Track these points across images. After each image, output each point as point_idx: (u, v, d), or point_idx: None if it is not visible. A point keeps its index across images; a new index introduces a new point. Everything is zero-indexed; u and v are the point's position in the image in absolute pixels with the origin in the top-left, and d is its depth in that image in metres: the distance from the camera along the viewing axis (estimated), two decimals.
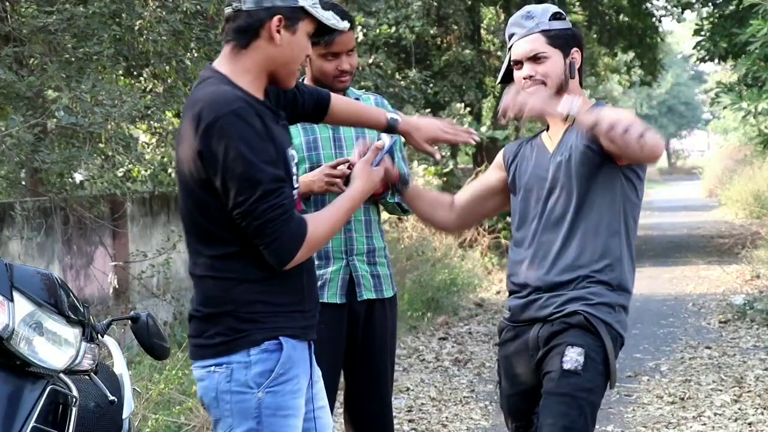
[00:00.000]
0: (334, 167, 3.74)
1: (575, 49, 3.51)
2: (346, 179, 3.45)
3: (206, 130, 2.76)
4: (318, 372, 3.05)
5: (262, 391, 2.85)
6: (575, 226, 3.43)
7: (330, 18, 2.92)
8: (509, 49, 3.54)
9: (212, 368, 2.88)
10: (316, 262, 3.67)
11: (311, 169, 3.81)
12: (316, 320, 3.02)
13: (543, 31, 3.48)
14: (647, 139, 3.21)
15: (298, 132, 3.85)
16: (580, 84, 3.56)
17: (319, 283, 3.75)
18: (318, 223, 2.90)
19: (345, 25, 3.01)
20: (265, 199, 2.76)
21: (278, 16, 2.84)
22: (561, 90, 3.47)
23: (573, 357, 3.34)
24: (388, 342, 3.98)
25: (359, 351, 3.93)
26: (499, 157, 3.74)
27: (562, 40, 3.48)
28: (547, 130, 3.61)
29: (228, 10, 2.88)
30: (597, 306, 3.39)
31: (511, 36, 3.54)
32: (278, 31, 2.85)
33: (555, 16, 3.50)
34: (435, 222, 3.77)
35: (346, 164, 3.71)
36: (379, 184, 3.16)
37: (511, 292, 3.59)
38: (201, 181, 2.82)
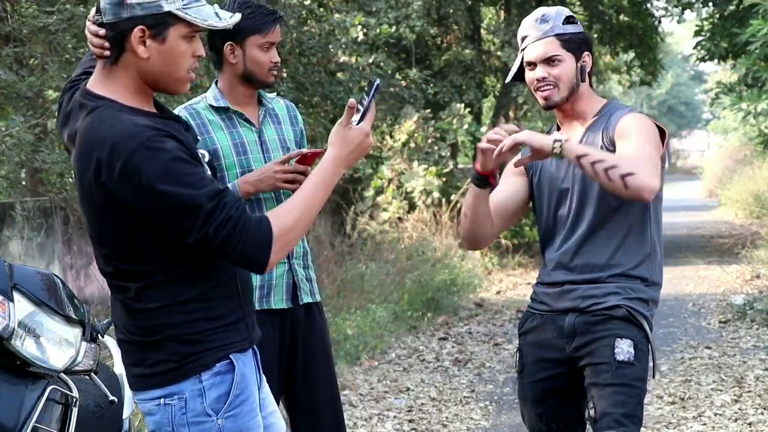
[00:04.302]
0: (284, 162, 3.71)
1: (587, 53, 3.59)
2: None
3: (122, 174, 2.51)
4: (263, 377, 2.90)
5: (221, 417, 2.68)
6: (605, 225, 3.52)
7: (207, 17, 2.62)
8: (522, 50, 3.60)
9: (162, 400, 2.68)
10: None
11: (242, 173, 3.76)
12: (254, 318, 2.84)
13: (557, 35, 3.55)
14: (634, 179, 3.27)
15: (224, 136, 3.81)
16: (590, 84, 3.64)
17: (264, 289, 3.79)
18: (282, 213, 2.66)
19: (227, 24, 2.66)
20: (210, 220, 2.54)
21: (139, 27, 2.56)
22: (572, 93, 3.55)
23: (624, 348, 3.45)
24: (329, 345, 3.98)
25: (302, 355, 3.88)
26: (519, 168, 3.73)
27: (575, 44, 3.56)
28: (558, 130, 3.67)
29: (89, 25, 2.63)
30: (634, 300, 3.50)
31: (524, 38, 3.60)
32: (143, 43, 2.58)
33: (568, 20, 3.58)
34: (481, 236, 3.69)
35: (296, 158, 3.72)
36: (367, 142, 2.76)
37: (542, 282, 3.65)
38: (125, 221, 2.58)
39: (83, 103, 2.64)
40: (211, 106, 3.86)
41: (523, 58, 3.62)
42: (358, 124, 2.74)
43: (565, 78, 3.54)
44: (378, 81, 2.79)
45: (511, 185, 3.72)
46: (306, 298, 3.89)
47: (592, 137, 3.55)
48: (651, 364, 3.53)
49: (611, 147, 3.48)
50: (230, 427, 2.70)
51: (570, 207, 3.57)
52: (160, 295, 2.65)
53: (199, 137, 3.19)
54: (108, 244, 2.66)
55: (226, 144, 3.80)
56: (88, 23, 2.70)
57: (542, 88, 3.55)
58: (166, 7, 2.57)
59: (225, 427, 2.69)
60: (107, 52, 2.62)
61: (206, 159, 2.83)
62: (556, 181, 3.61)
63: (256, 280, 3.72)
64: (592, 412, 3.50)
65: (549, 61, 3.54)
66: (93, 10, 2.69)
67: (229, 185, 3.69)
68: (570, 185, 3.58)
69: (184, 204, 2.53)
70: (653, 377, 3.61)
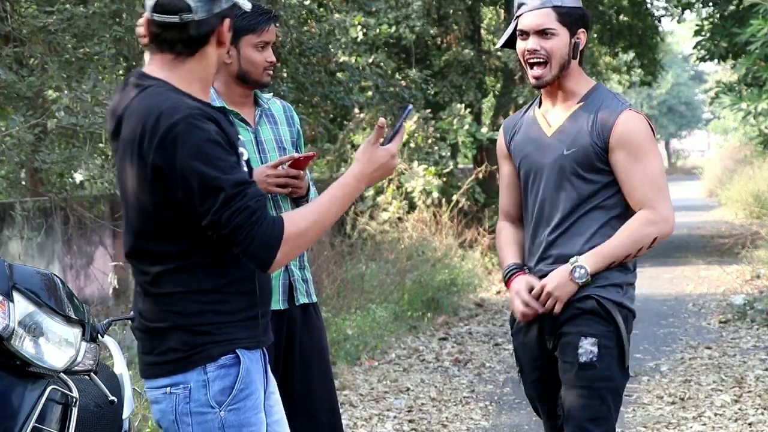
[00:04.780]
0: (275, 167, 3.70)
1: (582, 29, 3.48)
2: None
3: (161, 142, 2.62)
4: (273, 383, 2.93)
5: (224, 410, 2.72)
6: (580, 215, 3.48)
7: (244, 3, 2.82)
8: (516, 17, 3.51)
9: (168, 389, 2.74)
10: None
11: None
12: (269, 321, 2.88)
13: (555, 7, 3.44)
14: (662, 234, 3.50)
15: None
16: (580, 64, 3.54)
17: None
18: (297, 217, 2.71)
19: (248, 5, 2.86)
20: (228, 205, 2.60)
21: (228, 19, 2.76)
22: (563, 69, 3.46)
23: (587, 348, 3.42)
24: (326, 345, 3.96)
25: (299, 356, 3.85)
26: (502, 145, 3.70)
27: (571, 19, 3.45)
28: (539, 106, 3.60)
29: (167, 19, 2.70)
30: (607, 288, 3.45)
31: (520, 5, 3.49)
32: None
33: None
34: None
35: (288, 162, 3.70)
36: (392, 163, 2.81)
37: None
38: (156, 194, 2.67)
39: (137, 83, 2.74)
40: None
41: (516, 26, 3.52)
42: (386, 144, 2.80)
43: (557, 53, 3.44)
44: (411, 106, 2.89)
45: (513, 190, 3.69)
46: (302, 299, 3.87)
47: (575, 125, 3.47)
48: (626, 355, 3.47)
49: (603, 149, 3.42)
50: (232, 420, 2.73)
51: (545, 198, 3.52)
52: (176, 281, 2.72)
53: None
54: (137, 220, 2.73)
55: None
56: (143, 23, 2.78)
57: (531, 60, 3.45)
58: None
59: (227, 419, 2.73)
60: (179, 45, 2.72)
61: (244, 157, 2.84)
62: (534, 172, 3.55)
63: None
64: (560, 412, 3.53)
65: (542, 33, 3.44)
66: (149, 8, 2.73)
67: None
68: (546, 174, 3.51)
69: (208, 185, 2.60)
70: (625, 367, 3.52)
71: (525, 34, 3.47)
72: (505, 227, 3.75)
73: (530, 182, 3.56)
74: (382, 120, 2.80)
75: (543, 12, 3.43)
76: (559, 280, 3.42)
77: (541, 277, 3.52)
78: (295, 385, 3.86)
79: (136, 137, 2.66)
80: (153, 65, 2.76)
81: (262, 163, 3.79)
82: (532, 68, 3.47)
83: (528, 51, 3.45)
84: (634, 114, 3.46)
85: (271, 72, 3.82)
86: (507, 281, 3.61)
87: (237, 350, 2.74)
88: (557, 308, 3.44)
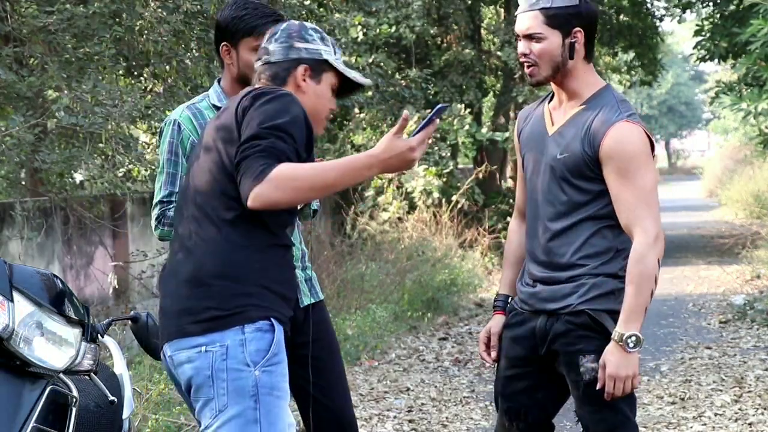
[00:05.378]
0: None
1: (578, 28, 3.37)
2: None
3: (257, 95, 2.94)
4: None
5: (259, 369, 2.85)
6: (571, 220, 3.40)
7: (356, 76, 3.17)
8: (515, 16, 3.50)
9: (203, 348, 2.87)
10: None
11: None
12: (291, 309, 3.04)
13: (542, 9, 3.35)
14: (660, 255, 3.32)
15: None
16: (589, 61, 3.44)
17: None
18: (292, 165, 2.85)
19: (368, 81, 3.26)
20: (250, 141, 2.85)
21: (304, 66, 3.10)
22: (557, 71, 3.38)
23: (588, 367, 3.36)
24: (335, 340, 3.90)
25: (314, 355, 3.73)
26: (515, 137, 3.67)
27: (561, 20, 3.34)
28: (550, 101, 3.54)
29: (258, 65, 3.16)
30: (598, 299, 3.37)
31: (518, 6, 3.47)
32: (304, 80, 3.11)
33: None
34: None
35: None
36: (410, 155, 2.88)
37: (521, 279, 3.59)
38: (232, 137, 2.92)
39: (246, 92, 3.07)
40: (214, 106, 3.73)
41: None
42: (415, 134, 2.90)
43: (546, 56, 3.35)
44: (444, 105, 2.95)
45: (524, 183, 3.64)
46: (306, 300, 3.81)
47: (572, 129, 3.39)
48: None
49: (592, 159, 3.33)
50: (265, 380, 2.87)
51: (541, 198, 3.46)
52: (237, 232, 2.90)
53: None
54: (220, 166, 2.95)
55: None
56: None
57: (524, 63, 3.42)
58: (324, 56, 3.13)
59: (261, 379, 2.86)
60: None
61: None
62: (533, 169, 3.51)
63: None
64: (579, 425, 3.53)
65: (530, 37, 3.37)
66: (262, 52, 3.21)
67: None
68: (542, 175, 3.47)
69: (255, 126, 2.87)
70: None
71: (518, 37, 3.43)
72: (512, 233, 3.73)
73: (529, 179, 3.53)
74: (406, 112, 2.89)
75: (530, 15, 3.36)
76: (617, 361, 3.30)
77: (531, 282, 3.48)
78: (309, 387, 3.74)
79: (235, 104, 2.99)
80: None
81: None
82: (526, 68, 3.44)
83: (520, 54, 3.42)
84: (629, 125, 3.33)
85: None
86: (493, 309, 3.70)
87: (272, 318, 2.90)
88: (635, 384, 3.33)
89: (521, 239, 3.65)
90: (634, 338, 3.28)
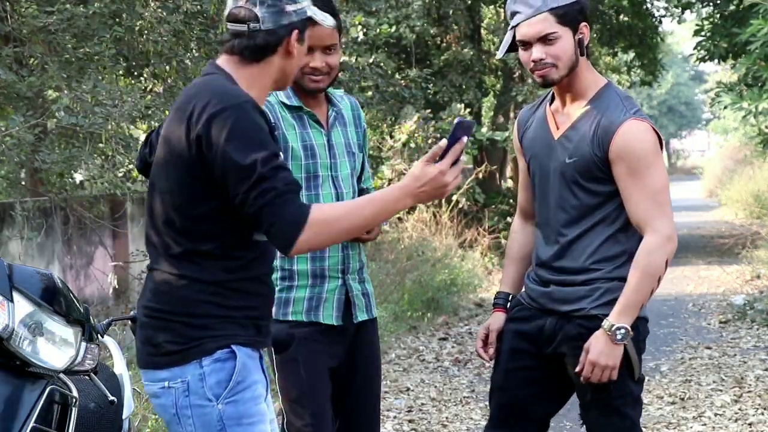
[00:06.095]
0: None
1: (584, 23, 3.33)
2: None
3: (210, 118, 2.71)
4: (269, 386, 2.93)
5: (221, 402, 2.77)
6: (584, 226, 3.38)
7: (324, 18, 2.93)
8: (512, 27, 3.36)
9: (166, 383, 2.80)
10: (309, 281, 3.51)
11: (307, 179, 3.50)
12: (270, 327, 2.93)
13: (551, 10, 3.28)
14: (671, 255, 3.32)
15: (295, 136, 3.53)
16: (588, 58, 3.40)
17: (313, 301, 3.53)
18: (326, 207, 2.76)
19: (331, 22, 2.98)
20: (257, 186, 2.66)
21: (296, 31, 2.84)
22: (572, 70, 3.33)
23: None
24: (379, 365, 3.75)
25: (353, 376, 3.62)
26: (516, 140, 3.62)
27: (571, 17, 3.29)
28: (551, 103, 3.48)
29: (237, 27, 2.83)
30: (611, 304, 3.33)
31: (514, 13, 3.34)
32: (294, 45, 2.87)
33: None
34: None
35: None
36: (441, 179, 2.71)
37: (530, 276, 3.55)
38: (190, 168, 2.74)
39: (208, 71, 2.88)
40: (283, 103, 3.54)
41: (515, 36, 3.36)
42: (438, 161, 2.72)
43: (564, 56, 3.30)
44: (458, 119, 2.74)
45: (528, 185, 3.60)
46: (361, 316, 3.60)
47: (580, 131, 3.35)
48: (636, 363, 3.38)
49: (602, 160, 3.30)
50: (230, 412, 2.78)
51: (552, 203, 3.42)
52: (186, 267, 2.77)
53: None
54: (169, 195, 2.79)
55: (296, 145, 3.51)
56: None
57: (539, 68, 3.31)
58: (309, 13, 2.86)
59: (225, 412, 2.77)
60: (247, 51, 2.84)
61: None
62: (541, 174, 3.46)
63: (305, 291, 3.52)
64: (583, 429, 3.51)
65: (545, 39, 3.28)
66: (225, 17, 2.89)
67: None
68: (551, 180, 3.42)
69: (244, 164, 2.67)
70: (639, 373, 3.47)
71: (527, 44, 3.32)
72: (516, 232, 3.70)
73: (538, 184, 3.49)
74: (444, 141, 2.73)
75: (541, 18, 3.28)
76: (602, 348, 3.29)
77: (541, 282, 3.46)
78: (345, 403, 3.65)
79: (186, 113, 2.76)
80: (223, 61, 2.88)
81: (332, 169, 3.55)
82: (541, 71, 3.33)
83: (534, 61, 3.31)
84: (638, 123, 3.31)
85: (317, 78, 3.50)
86: (493, 307, 3.66)
87: (232, 345, 2.79)
88: (613, 376, 3.31)
89: (524, 238, 3.64)
90: (623, 330, 3.27)
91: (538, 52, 3.30)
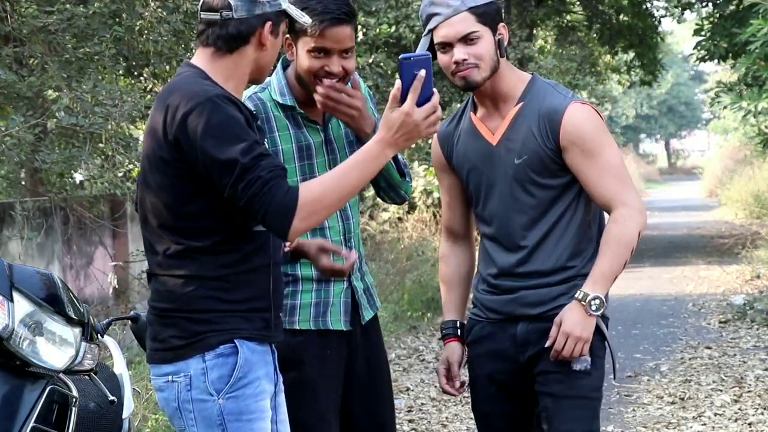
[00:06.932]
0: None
1: (502, 24, 3.23)
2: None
3: (183, 118, 2.71)
4: (281, 380, 2.93)
5: (222, 397, 2.78)
6: (549, 222, 3.28)
7: (300, 16, 2.89)
8: (430, 30, 3.21)
9: (170, 378, 2.81)
10: (314, 285, 3.40)
11: (303, 180, 3.25)
12: (281, 326, 2.92)
13: (471, 9, 3.17)
14: (642, 227, 3.21)
15: (288, 136, 3.35)
16: (507, 58, 3.30)
17: (320, 307, 3.41)
18: (313, 184, 2.73)
19: (307, 20, 2.89)
20: (242, 178, 2.67)
21: (269, 23, 2.82)
22: (494, 71, 3.22)
23: (582, 357, 3.21)
24: (386, 364, 3.65)
25: (361, 380, 3.49)
26: (440, 158, 3.48)
27: (490, 17, 3.19)
28: (475, 112, 3.35)
29: (210, 16, 2.82)
30: None
31: (430, 16, 3.21)
32: (267, 38, 2.83)
33: None
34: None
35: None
36: (410, 121, 2.70)
37: (485, 289, 3.43)
38: (175, 169, 2.75)
39: (181, 71, 2.87)
40: (276, 102, 3.36)
41: (432, 40, 3.20)
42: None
43: (486, 56, 3.18)
44: (402, 56, 2.71)
45: (458, 204, 3.52)
46: (367, 314, 3.49)
47: (521, 130, 3.24)
48: (611, 365, 3.29)
49: (554, 150, 3.21)
50: (231, 407, 2.79)
51: (504, 211, 3.32)
52: (185, 263, 2.79)
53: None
54: (159, 191, 2.79)
55: (289, 147, 3.34)
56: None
57: (462, 69, 3.20)
58: (283, 6, 2.84)
59: (225, 407, 2.78)
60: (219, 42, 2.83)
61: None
62: (486, 185, 3.34)
63: (311, 296, 3.40)
64: (545, 426, 3.29)
65: (467, 39, 3.16)
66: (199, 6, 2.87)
67: None
68: (499, 188, 3.30)
69: (225, 159, 2.67)
70: (614, 378, 3.43)
71: (447, 46, 3.19)
72: (448, 256, 3.62)
73: (484, 195, 3.37)
74: (398, 82, 2.74)
75: (461, 17, 3.17)
76: (576, 319, 3.18)
77: (505, 291, 3.34)
78: (355, 411, 3.51)
79: (162, 113, 2.76)
80: (197, 56, 2.88)
81: (331, 166, 3.34)
82: (463, 72, 3.21)
83: (456, 62, 3.17)
84: (580, 106, 3.22)
85: (329, 83, 3.27)
86: (443, 339, 3.54)
87: (235, 340, 2.79)
88: (585, 350, 3.20)
89: (459, 259, 3.57)
90: (598, 301, 3.17)
91: (460, 52, 3.19)
